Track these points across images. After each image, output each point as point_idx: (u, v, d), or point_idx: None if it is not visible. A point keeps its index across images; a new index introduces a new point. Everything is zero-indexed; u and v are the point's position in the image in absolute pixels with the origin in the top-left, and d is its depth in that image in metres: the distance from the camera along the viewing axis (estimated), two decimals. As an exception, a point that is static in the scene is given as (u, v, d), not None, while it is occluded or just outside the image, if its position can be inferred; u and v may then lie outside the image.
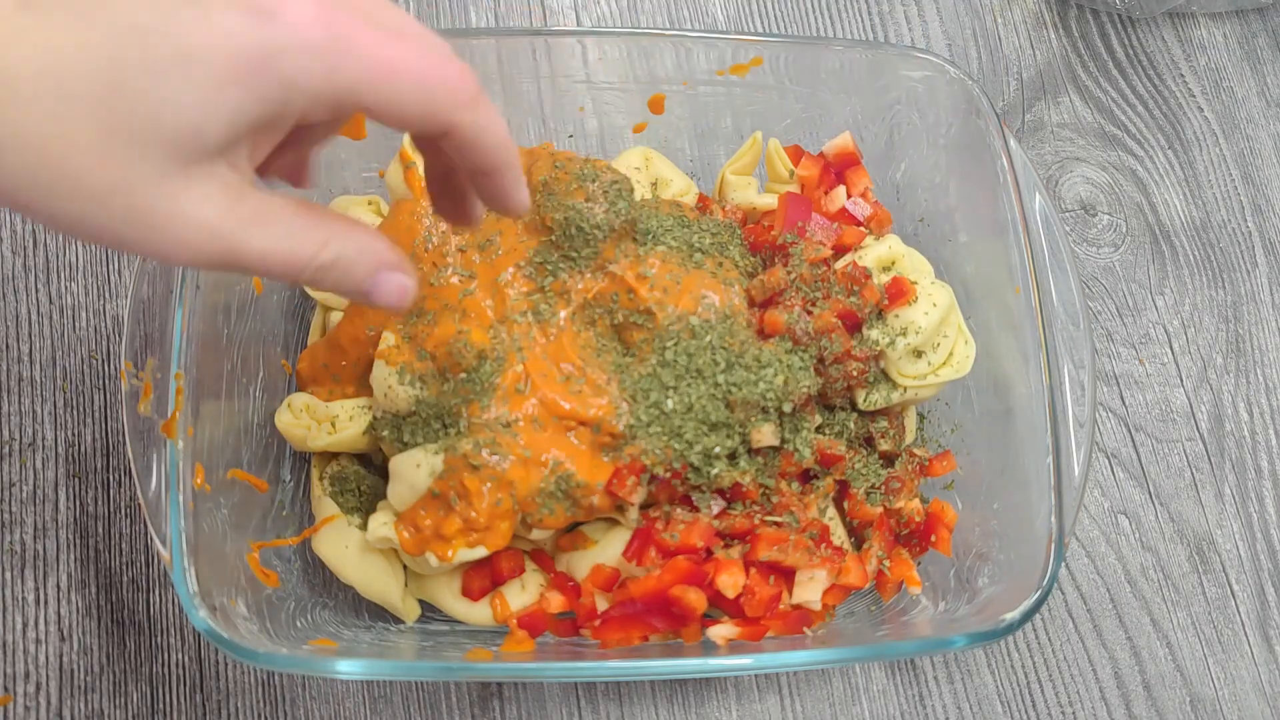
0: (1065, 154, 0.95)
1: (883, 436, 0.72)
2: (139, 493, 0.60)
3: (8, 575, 0.72)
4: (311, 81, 0.36)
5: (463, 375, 0.65)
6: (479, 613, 0.67)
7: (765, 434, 0.64)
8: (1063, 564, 0.77)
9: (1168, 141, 0.96)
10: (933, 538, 0.70)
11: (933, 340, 0.71)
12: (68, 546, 0.73)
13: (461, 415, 0.64)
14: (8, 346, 0.77)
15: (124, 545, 0.74)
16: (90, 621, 0.72)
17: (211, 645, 0.72)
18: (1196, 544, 0.84)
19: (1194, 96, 0.98)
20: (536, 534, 0.65)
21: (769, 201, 0.77)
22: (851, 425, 0.71)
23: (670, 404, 0.63)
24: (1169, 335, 0.90)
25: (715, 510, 0.66)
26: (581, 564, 0.67)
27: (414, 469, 0.63)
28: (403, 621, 0.69)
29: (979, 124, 0.72)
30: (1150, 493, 0.85)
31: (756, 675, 0.76)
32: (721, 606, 0.65)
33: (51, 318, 0.78)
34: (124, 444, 0.73)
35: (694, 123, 0.82)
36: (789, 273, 0.69)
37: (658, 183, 0.78)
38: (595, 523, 0.68)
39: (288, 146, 0.44)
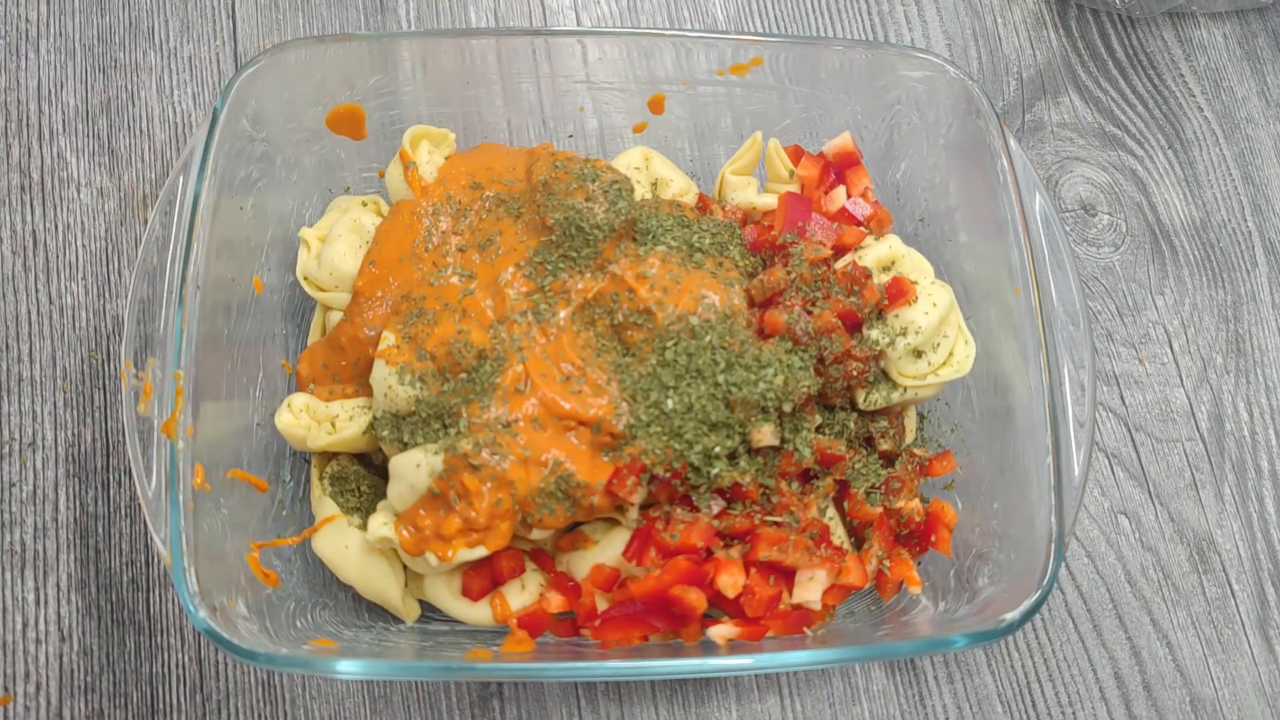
0: (1065, 154, 0.95)
1: (883, 436, 0.72)
2: (139, 493, 0.60)
3: (8, 575, 0.72)
4: None
5: (463, 375, 0.65)
6: (479, 613, 0.67)
7: (765, 434, 0.64)
8: (1063, 564, 0.77)
9: (1168, 141, 0.96)
10: (933, 538, 0.70)
11: (933, 340, 0.71)
12: (68, 546, 0.73)
13: (461, 415, 0.64)
14: (8, 346, 0.77)
15: (124, 545, 0.74)
16: (90, 621, 0.72)
17: (211, 645, 0.72)
18: (1196, 544, 0.84)
19: (1194, 96, 0.98)
20: (536, 534, 0.65)
21: (769, 201, 0.77)
22: (851, 425, 0.71)
23: (670, 404, 0.63)
24: (1169, 335, 0.90)
25: (715, 510, 0.66)
26: (581, 564, 0.67)
27: (414, 469, 0.63)
28: (403, 621, 0.69)
29: (979, 124, 0.72)
30: (1150, 493, 0.85)
31: (756, 675, 0.76)
32: (721, 606, 0.65)
33: (51, 318, 0.78)
34: (124, 444, 0.73)
35: (694, 123, 0.82)
36: (789, 273, 0.69)
37: (658, 183, 0.78)
38: (595, 523, 0.68)
39: None
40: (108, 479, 0.75)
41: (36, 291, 0.78)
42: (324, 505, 0.69)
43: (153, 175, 0.83)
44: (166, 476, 0.59)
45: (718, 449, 0.64)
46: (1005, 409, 0.70)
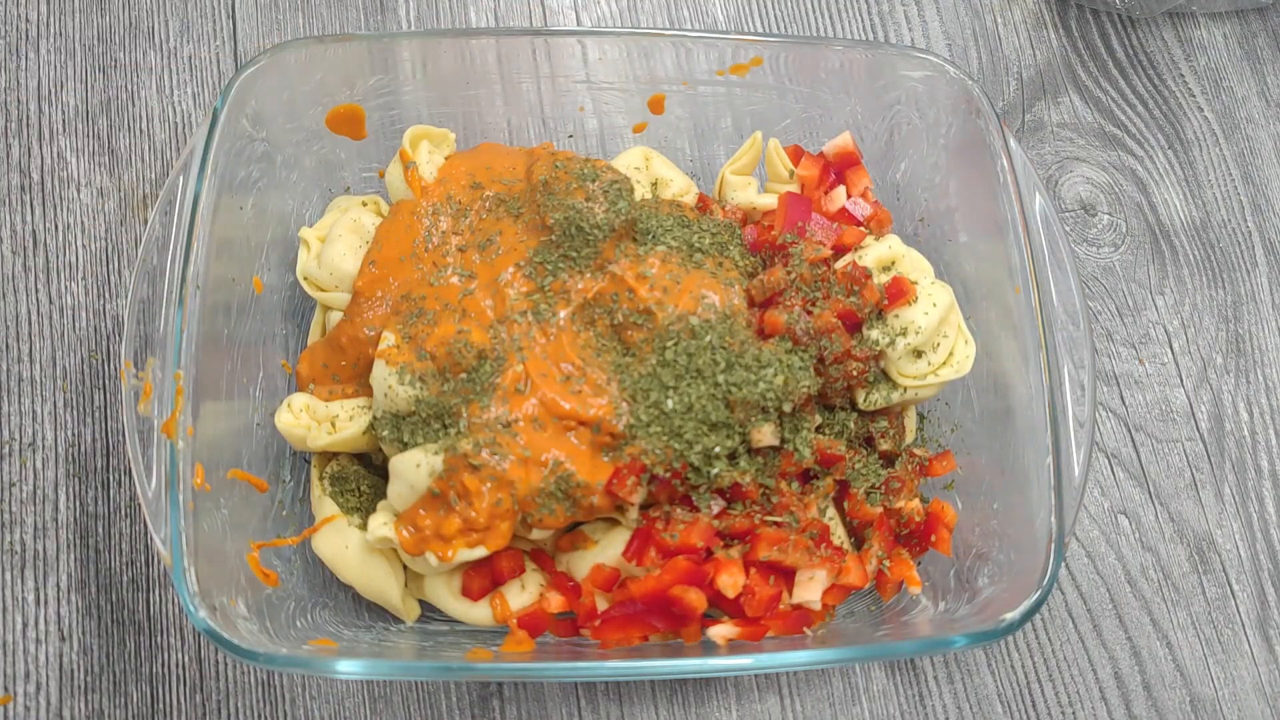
0: (1065, 154, 0.95)
1: (883, 436, 0.72)
2: (139, 493, 0.60)
3: (8, 575, 0.72)
4: None
5: (463, 375, 0.65)
6: (479, 613, 0.67)
7: (765, 434, 0.64)
8: (1063, 564, 0.77)
9: (1168, 141, 0.96)
10: (933, 538, 0.70)
11: (933, 340, 0.71)
12: (68, 546, 0.73)
13: (461, 415, 0.64)
14: (8, 346, 0.77)
15: (124, 545, 0.74)
16: (90, 621, 0.72)
17: (211, 645, 0.72)
18: (1196, 544, 0.84)
19: (1194, 96, 0.98)
20: (536, 534, 0.65)
21: (769, 201, 0.77)
22: (851, 425, 0.71)
23: (670, 404, 0.63)
24: (1169, 335, 0.90)
25: (715, 510, 0.66)
26: (581, 564, 0.67)
27: (414, 469, 0.63)
28: (403, 621, 0.69)
29: (979, 124, 0.72)
30: (1150, 493, 0.85)
31: (756, 675, 0.76)
32: (721, 606, 0.65)
33: (51, 318, 0.78)
34: (124, 444, 0.73)
35: (694, 123, 0.82)
36: (789, 273, 0.69)
37: (658, 183, 0.78)
38: (595, 523, 0.68)
39: None
40: (108, 479, 0.75)
41: (36, 291, 0.78)
42: (324, 505, 0.69)
43: (153, 175, 0.83)
44: (166, 476, 0.59)
45: (718, 449, 0.64)
46: (1005, 409, 0.70)
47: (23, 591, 0.72)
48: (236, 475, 0.66)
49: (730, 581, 0.63)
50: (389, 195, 0.76)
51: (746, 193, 0.78)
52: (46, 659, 0.71)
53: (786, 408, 0.65)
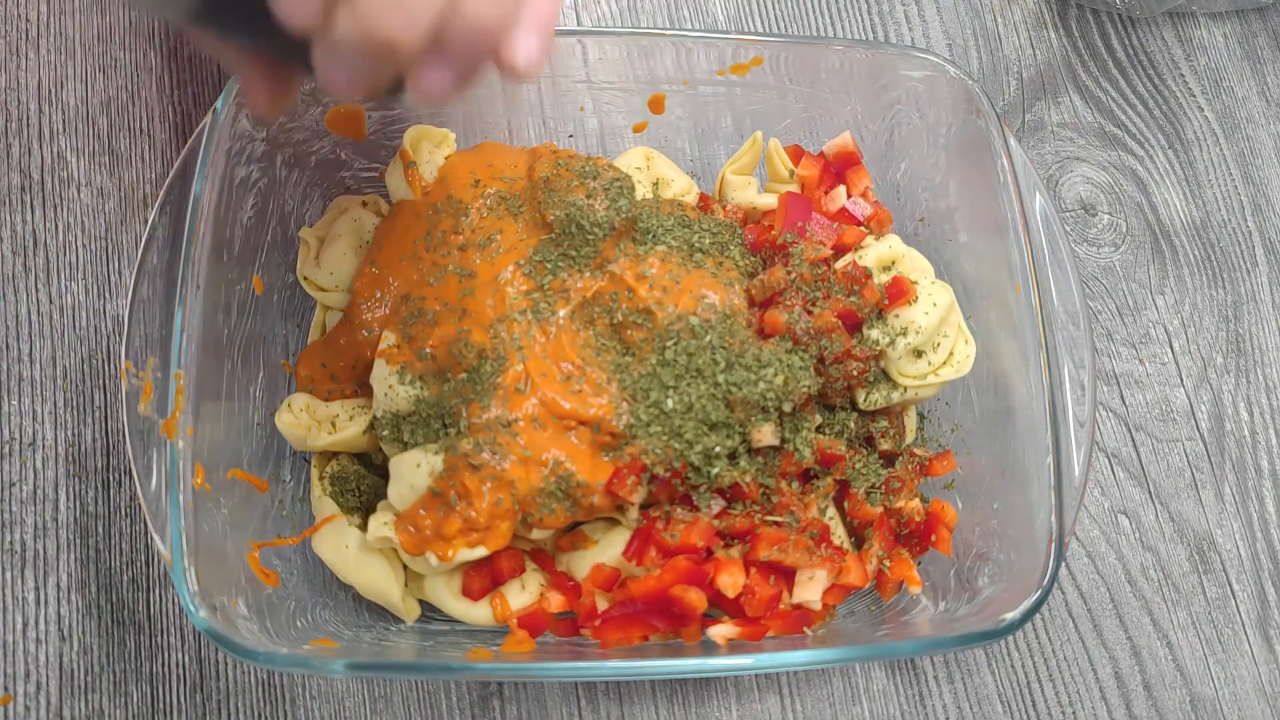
0: (1065, 154, 0.95)
1: (883, 436, 0.72)
2: (139, 493, 0.60)
3: (8, 575, 0.72)
4: None
5: (463, 375, 0.65)
6: (479, 612, 0.67)
7: (765, 434, 0.64)
8: (1063, 564, 0.77)
9: (1168, 141, 0.96)
10: (933, 538, 0.70)
11: (933, 340, 0.71)
12: (68, 546, 0.73)
13: (462, 415, 0.64)
14: (8, 346, 0.77)
15: (124, 545, 0.74)
16: (90, 621, 0.72)
17: (211, 645, 0.72)
18: (1196, 544, 0.84)
19: (1194, 96, 0.98)
20: (536, 534, 0.65)
21: (769, 201, 0.77)
22: (851, 425, 0.71)
23: (670, 403, 0.63)
24: (1169, 335, 0.90)
25: (715, 510, 0.66)
26: (581, 564, 0.67)
27: (414, 469, 0.63)
28: (403, 621, 0.69)
29: (979, 124, 0.72)
30: (1150, 492, 0.85)
31: (756, 675, 0.76)
32: (721, 606, 0.65)
33: (51, 318, 0.78)
34: (124, 444, 0.73)
35: (694, 123, 0.82)
36: (789, 272, 0.69)
37: (659, 182, 0.78)
38: (595, 522, 0.68)
39: None
40: (108, 479, 0.75)
41: (36, 291, 0.78)
42: (324, 505, 0.69)
43: (153, 175, 0.83)
44: (166, 476, 0.59)
45: (718, 449, 0.64)
46: (1005, 409, 0.70)
47: (23, 591, 0.72)
48: (236, 475, 0.66)
49: (730, 581, 0.63)
50: (389, 195, 0.76)
51: (747, 193, 0.78)
52: (46, 659, 0.71)
53: (786, 407, 0.65)
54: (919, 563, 0.71)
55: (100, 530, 0.74)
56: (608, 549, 0.66)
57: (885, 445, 0.72)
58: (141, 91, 0.85)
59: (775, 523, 0.66)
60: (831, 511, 0.71)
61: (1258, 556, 0.85)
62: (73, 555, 0.73)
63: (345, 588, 0.69)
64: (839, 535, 0.71)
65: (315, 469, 0.71)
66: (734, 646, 0.63)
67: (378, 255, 0.71)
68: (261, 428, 0.70)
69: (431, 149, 0.75)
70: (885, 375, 0.71)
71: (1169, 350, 0.90)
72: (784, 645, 0.63)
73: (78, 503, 0.74)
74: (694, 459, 0.63)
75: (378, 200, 0.77)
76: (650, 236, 0.68)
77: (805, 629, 0.66)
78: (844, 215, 0.77)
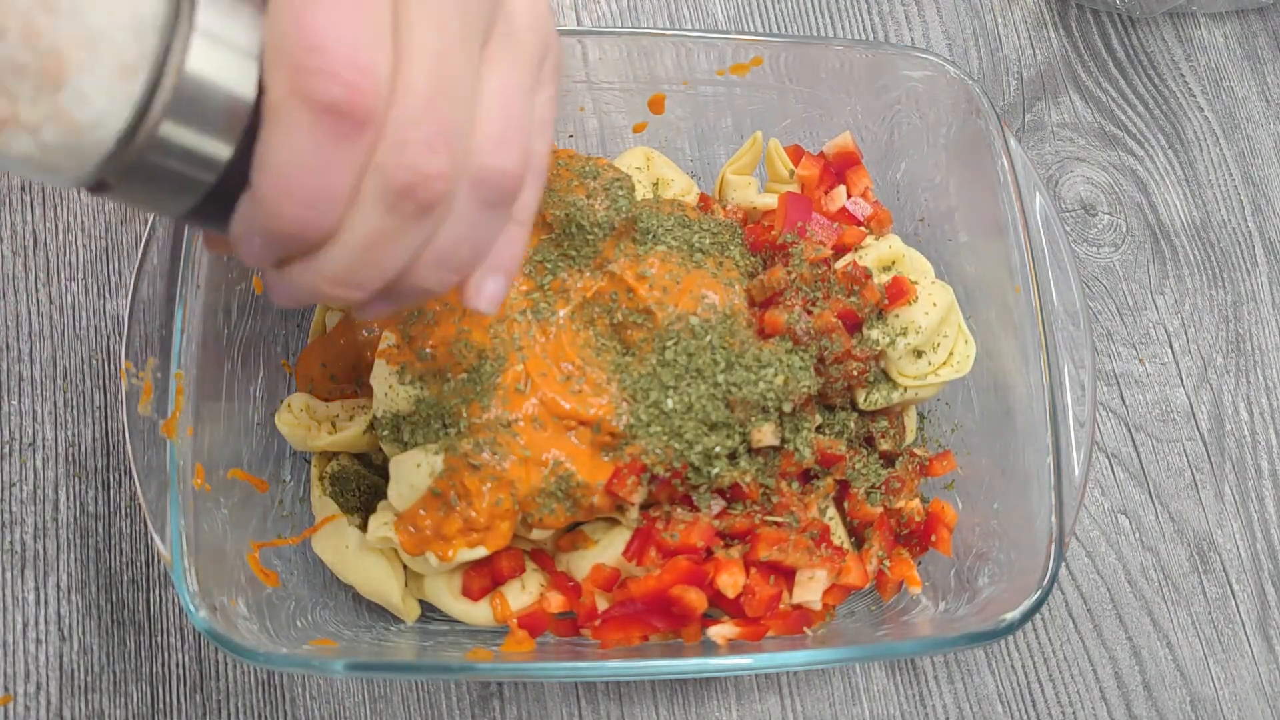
0: (1065, 154, 0.95)
1: (883, 436, 0.72)
2: (139, 493, 0.60)
3: (8, 575, 0.72)
4: None
5: (463, 375, 0.65)
6: (479, 613, 0.67)
7: (765, 434, 0.64)
8: (1063, 564, 0.77)
9: (1168, 141, 0.96)
10: (933, 538, 0.70)
11: (933, 340, 0.71)
12: (68, 546, 0.73)
13: (462, 415, 0.64)
14: (8, 346, 0.77)
15: (124, 545, 0.74)
16: (90, 621, 0.72)
17: (211, 645, 0.72)
18: (1196, 544, 0.84)
19: (1194, 96, 0.98)
20: (536, 534, 0.65)
21: (769, 201, 0.77)
22: (851, 425, 0.71)
23: (670, 404, 0.63)
24: (1169, 335, 0.90)
25: (715, 510, 0.66)
26: (582, 564, 0.67)
27: (414, 469, 0.63)
28: (403, 621, 0.69)
29: (979, 124, 0.72)
30: (1150, 492, 0.85)
31: (756, 675, 0.76)
32: (721, 606, 0.65)
33: (51, 318, 0.78)
34: (124, 444, 0.73)
35: (694, 123, 0.82)
36: (789, 272, 0.69)
37: (659, 182, 0.78)
38: (595, 522, 0.68)
39: None
40: (108, 479, 0.75)
41: (36, 291, 0.78)
42: (324, 505, 0.69)
43: (153, 175, 0.83)
44: (166, 476, 0.59)
45: (718, 449, 0.64)
46: (1005, 409, 0.70)
47: (23, 591, 0.72)
48: (236, 475, 0.66)
49: (730, 581, 0.63)
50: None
51: (747, 193, 0.78)
52: (47, 659, 0.71)
53: (786, 408, 0.64)
54: (919, 563, 0.71)
55: (100, 530, 0.74)
56: (608, 549, 0.66)
57: (885, 445, 0.72)
58: (141, 91, 0.85)
59: (775, 523, 0.66)
60: (831, 511, 0.71)
61: (1258, 556, 0.85)
62: (73, 555, 0.73)
63: (345, 588, 0.69)
64: (839, 535, 0.71)
65: (315, 469, 0.71)
66: (734, 646, 0.63)
67: (378, 255, 0.71)
68: (261, 428, 0.70)
69: (431, 149, 0.75)
70: (885, 375, 0.71)
71: (1169, 350, 0.90)
72: (784, 645, 0.63)
73: (78, 503, 0.74)
74: (694, 459, 0.63)
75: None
76: (650, 236, 0.68)
77: (805, 629, 0.66)
78: (844, 215, 0.77)
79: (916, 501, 0.71)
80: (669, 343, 0.65)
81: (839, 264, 0.72)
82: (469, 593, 0.67)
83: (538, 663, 0.63)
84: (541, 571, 0.69)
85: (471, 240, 0.41)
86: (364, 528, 0.67)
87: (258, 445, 0.70)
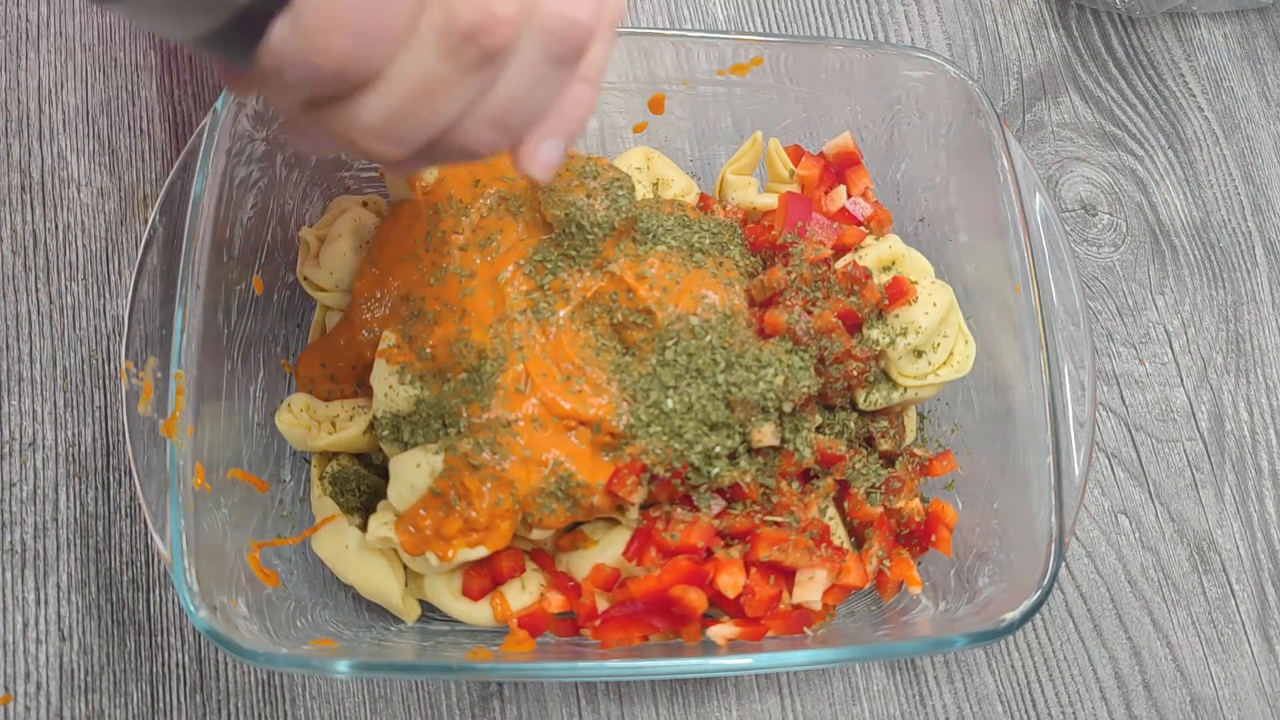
0: (1065, 154, 0.95)
1: (883, 436, 0.72)
2: (139, 493, 0.60)
3: (8, 575, 0.72)
4: None
5: (463, 375, 0.65)
6: (479, 613, 0.67)
7: (765, 434, 0.64)
8: (1063, 564, 0.77)
9: (1168, 141, 0.96)
10: (933, 538, 0.70)
11: (933, 340, 0.71)
12: (68, 546, 0.73)
13: (462, 415, 0.64)
14: (8, 346, 0.77)
15: (124, 545, 0.74)
16: (90, 621, 0.72)
17: (211, 645, 0.72)
18: (1196, 544, 0.84)
19: (1194, 96, 0.98)
20: (536, 534, 0.65)
21: (769, 201, 0.77)
22: (851, 425, 0.71)
23: (670, 404, 0.63)
24: (1169, 335, 0.90)
25: (715, 510, 0.66)
26: (582, 564, 0.67)
27: (414, 469, 0.63)
28: (403, 621, 0.69)
29: (979, 124, 0.72)
30: (1150, 492, 0.85)
31: (756, 675, 0.76)
32: (721, 606, 0.65)
33: (51, 318, 0.78)
34: (124, 444, 0.73)
35: (694, 123, 0.82)
36: (789, 272, 0.69)
37: (659, 182, 0.78)
38: (595, 522, 0.68)
39: None
40: (108, 479, 0.75)
41: (36, 291, 0.78)
42: (324, 505, 0.69)
43: (153, 175, 0.83)
44: (166, 476, 0.59)
45: (718, 449, 0.64)
46: (1005, 409, 0.70)
47: (23, 591, 0.72)
48: (236, 475, 0.66)
49: (730, 581, 0.63)
50: (389, 195, 0.76)
51: (747, 193, 0.78)
52: (47, 659, 0.71)
53: (786, 408, 0.65)
54: (919, 563, 0.71)
55: (100, 530, 0.74)
56: (608, 549, 0.66)
57: (885, 445, 0.72)
58: (141, 91, 0.85)
59: (775, 523, 0.66)
60: (831, 511, 0.71)
61: (1258, 556, 0.85)
62: (73, 555, 0.73)
63: (345, 588, 0.69)
64: (839, 535, 0.71)
65: (315, 469, 0.71)
66: (734, 646, 0.63)
67: (378, 255, 0.71)
68: (261, 428, 0.70)
69: (431, 149, 0.75)
70: (885, 375, 0.71)
71: (1169, 350, 0.90)
72: (784, 645, 0.63)
73: (78, 503, 0.74)
74: (694, 459, 0.63)
75: (378, 200, 0.77)
76: (650, 236, 0.68)
77: (805, 629, 0.66)
78: (844, 215, 0.77)
79: (916, 501, 0.71)
80: (669, 343, 0.65)
81: (839, 264, 0.72)
82: (469, 593, 0.67)
83: (538, 663, 0.63)
84: (541, 571, 0.69)
85: (531, 98, 0.38)
86: (364, 528, 0.67)
87: (258, 445, 0.70)
